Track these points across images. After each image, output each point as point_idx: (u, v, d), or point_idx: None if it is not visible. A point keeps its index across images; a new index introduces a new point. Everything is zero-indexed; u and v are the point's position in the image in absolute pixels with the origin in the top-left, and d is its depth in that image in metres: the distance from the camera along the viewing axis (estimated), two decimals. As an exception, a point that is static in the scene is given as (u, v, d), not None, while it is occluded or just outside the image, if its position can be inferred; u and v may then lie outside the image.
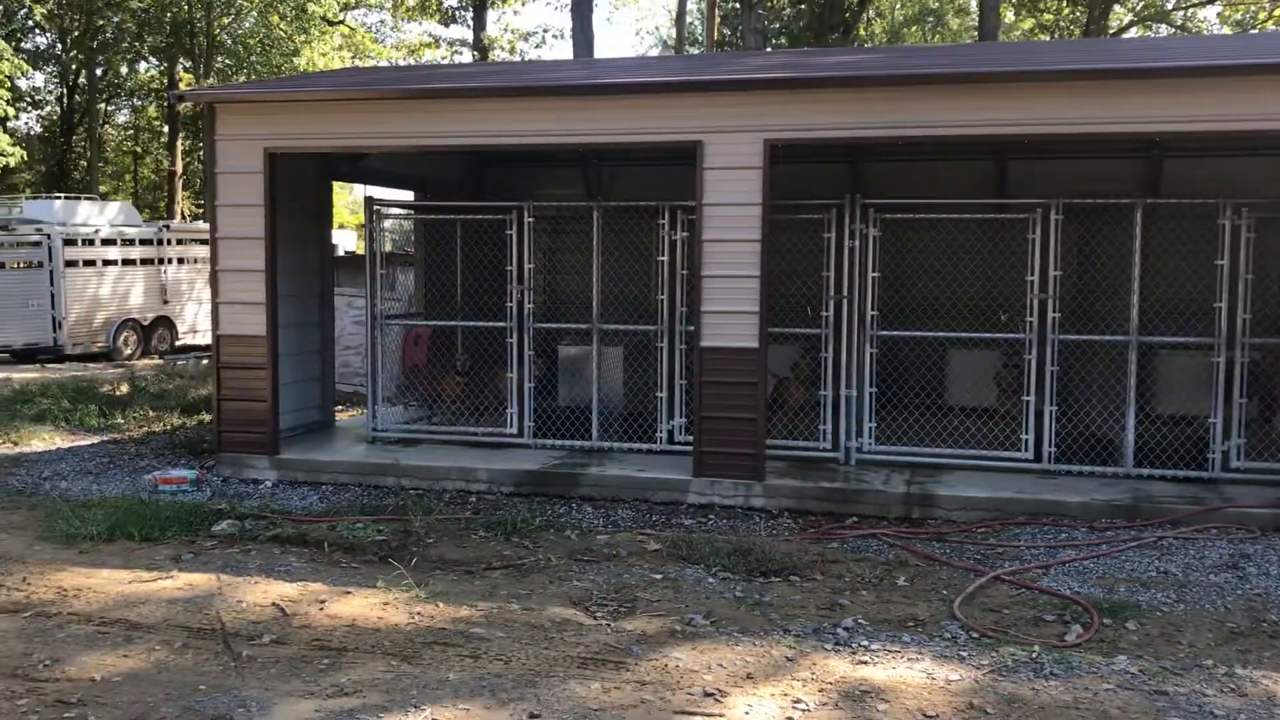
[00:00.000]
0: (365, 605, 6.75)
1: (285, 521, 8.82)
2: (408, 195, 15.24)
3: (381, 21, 40.04)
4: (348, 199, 46.21)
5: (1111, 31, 29.04)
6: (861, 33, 29.78)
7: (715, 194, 9.52)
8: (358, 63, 36.68)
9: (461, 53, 36.12)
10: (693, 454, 9.76)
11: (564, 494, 9.78)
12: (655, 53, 42.51)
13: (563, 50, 37.04)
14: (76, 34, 34.88)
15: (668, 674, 5.67)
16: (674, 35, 38.36)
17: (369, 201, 11.63)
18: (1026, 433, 9.99)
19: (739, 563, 7.63)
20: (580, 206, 11.92)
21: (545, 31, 42.15)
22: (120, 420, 13.77)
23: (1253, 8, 29.30)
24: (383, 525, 8.68)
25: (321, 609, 6.70)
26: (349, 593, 7.00)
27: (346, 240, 34.25)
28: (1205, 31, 30.80)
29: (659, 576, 7.41)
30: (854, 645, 6.11)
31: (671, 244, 10.64)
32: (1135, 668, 5.80)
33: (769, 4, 24.30)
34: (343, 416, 13.50)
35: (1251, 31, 28.16)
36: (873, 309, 10.27)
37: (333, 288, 12.57)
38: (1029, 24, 29.93)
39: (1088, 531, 8.52)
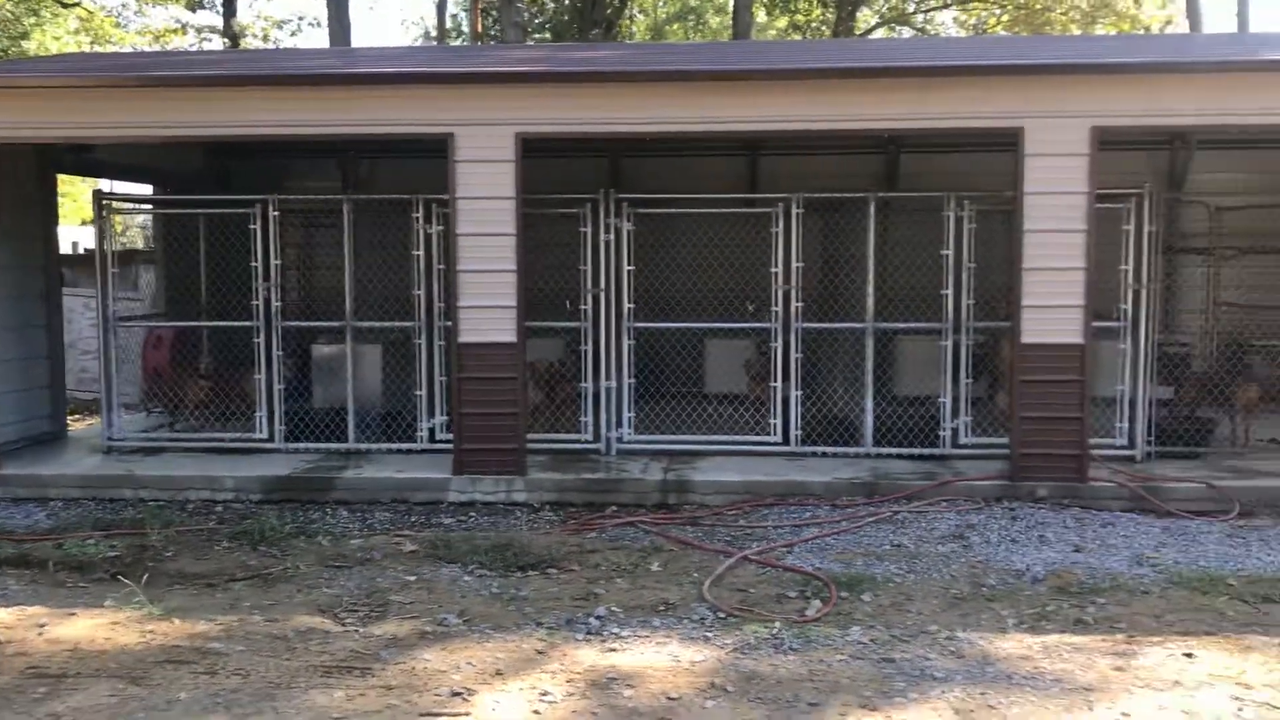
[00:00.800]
0: (91, 627, 6.32)
1: (4, 542, 8.14)
2: (147, 189, 14.37)
3: (124, 5, 37.60)
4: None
5: (859, 32, 30.58)
6: (625, 28, 30.22)
7: (468, 187, 9.43)
8: (96, 48, 34.31)
9: (211, 40, 34.41)
10: (453, 452, 9.64)
11: (318, 499, 9.46)
12: (420, 44, 41.72)
13: (320, 39, 35.85)
14: None
15: (415, 676, 5.57)
16: (437, 26, 37.78)
17: (97, 195, 10.89)
18: (775, 417, 10.39)
19: (497, 559, 7.60)
20: (331, 200, 11.54)
21: (301, 19, 40.72)
22: None
23: (983, 14, 31.48)
24: (116, 540, 8.15)
25: (41, 633, 6.22)
26: (73, 614, 6.54)
27: (88, 237, 32.07)
28: (942, 34, 32.86)
29: (414, 578, 7.28)
30: (605, 633, 6.19)
31: (427, 238, 10.47)
32: (867, 637, 6.11)
33: (528, -3, 24.28)
34: (80, 426, 12.65)
35: (985, 35, 30.27)
36: (629, 301, 10.43)
37: (60, 288, 11.71)
38: (783, 22, 31.13)
39: (830, 509, 8.95)
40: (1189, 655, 5.82)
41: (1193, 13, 26.40)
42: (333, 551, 7.90)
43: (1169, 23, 31.66)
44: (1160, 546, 7.93)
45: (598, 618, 6.43)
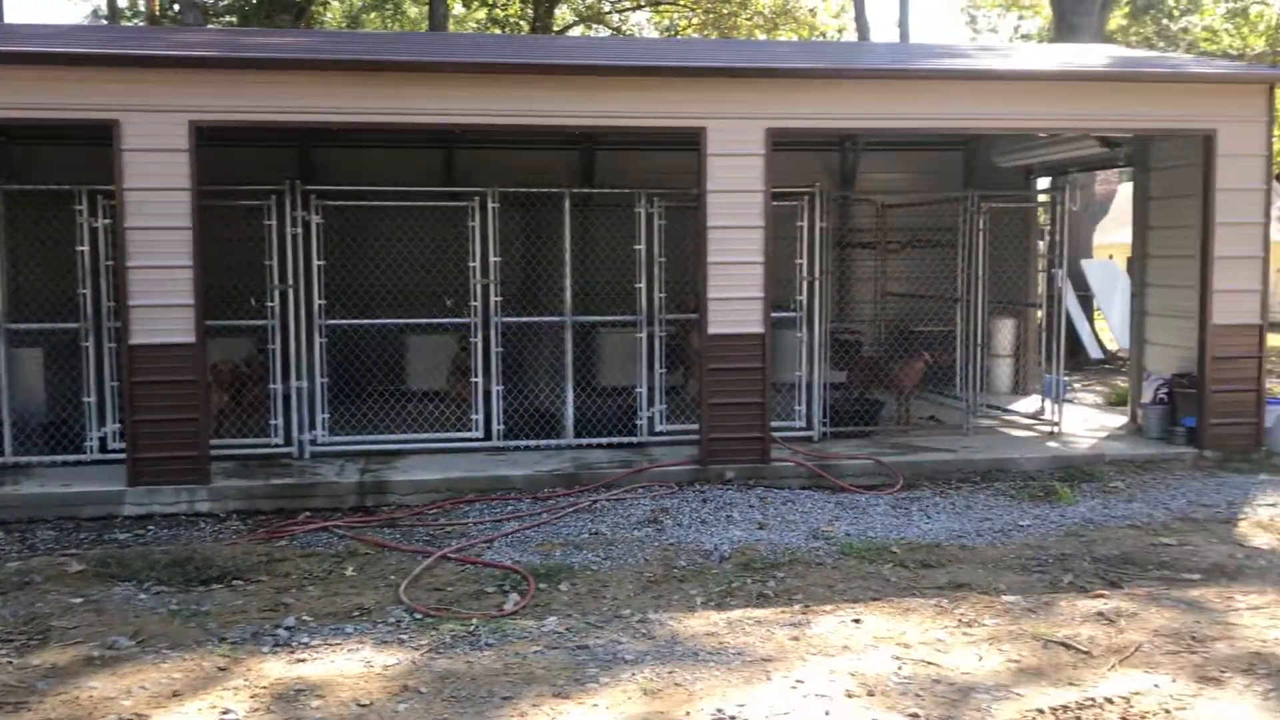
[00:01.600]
0: None
1: None
2: None
3: None
4: None
5: (557, 29, 30.94)
6: (318, 15, 29.14)
7: (137, 178, 8.81)
8: None
9: None
10: (127, 462, 8.98)
11: (-32, 520, 8.56)
12: (89, 23, 38.51)
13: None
14: None
15: (79, 706, 5.14)
16: (109, 4, 34.99)
17: None
18: (477, 413, 10.36)
19: (176, 574, 7.15)
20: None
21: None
22: None
23: (675, 16, 32.63)
24: None
25: None
26: None
27: None
28: (637, 35, 33.81)
29: (80, 600, 6.72)
30: (294, 644, 5.95)
31: (93, 232, 9.69)
32: (563, 626, 6.21)
33: (208, -23, 22.95)
34: None
35: (676, 37, 31.38)
36: (320, 298, 10.08)
37: None
38: (481, 14, 31.02)
39: (532, 502, 9.02)
40: (857, 621, 6.29)
41: (861, 23, 28.46)
42: (-15, 578, 7.16)
43: (842, 30, 34.03)
44: (834, 520, 8.51)
45: (286, 628, 6.18)
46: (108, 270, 9.65)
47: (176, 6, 23.69)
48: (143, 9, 33.15)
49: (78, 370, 9.84)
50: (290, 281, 9.99)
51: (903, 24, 29.37)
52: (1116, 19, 26.25)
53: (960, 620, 6.28)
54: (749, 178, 9.62)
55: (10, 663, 5.68)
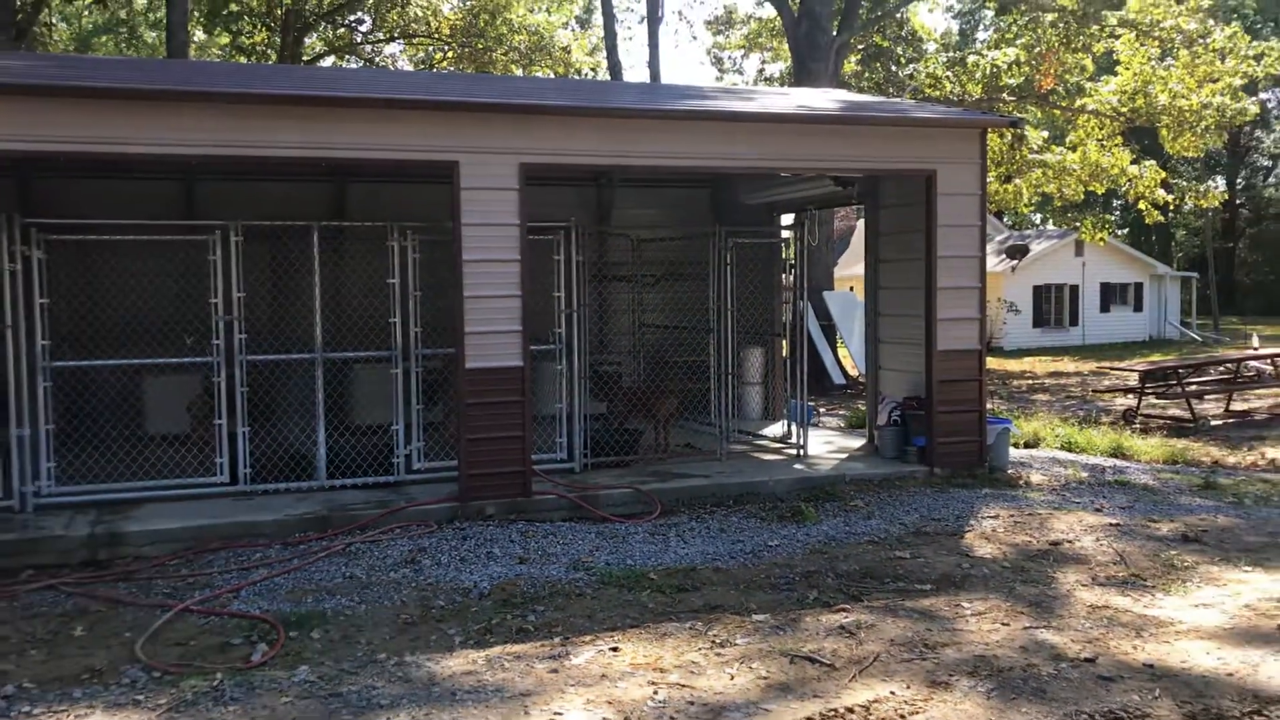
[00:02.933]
0: None
1: None
2: None
3: None
4: None
5: (308, 59, 30.15)
6: (43, 36, 27.23)
7: None
8: None
9: None
10: None
11: None
12: None
13: None
14: None
15: None
16: None
17: None
18: (221, 456, 9.88)
19: (-128, 646, 6.44)
20: None
21: None
22: None
23: (431, 49, 32.44)
24: None
25: None
26: None
27: None
28: (393, 67, 33.38)
29: None
30: (13, 714, 5.47)
31: None
32: (315, 675, 5.99)
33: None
34: None
35: (431, 71, 31.18)
36: (44, 338, 9.37)
37: None
38: (225, 40, 29.85)
39: (282, 548, 8.66)
40: (615, 649, 6.37)
41: (613, 62, 29.19)
42: None
43: (596, 69, 34.77)
44: (595, 550, 8.61)
45: (5, 698, 5.68)
46: None
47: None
48: None
49: None
50: (9, 321, 9.24)
51: (653, 64, 30.32)
52: (850, 64, 28.01)
53: (714, 642, 6.47)
54: (503, 212, 9.66)
55: None
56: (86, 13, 32.05)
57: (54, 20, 29.40)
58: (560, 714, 5.41)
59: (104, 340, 11.10)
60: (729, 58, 35.65)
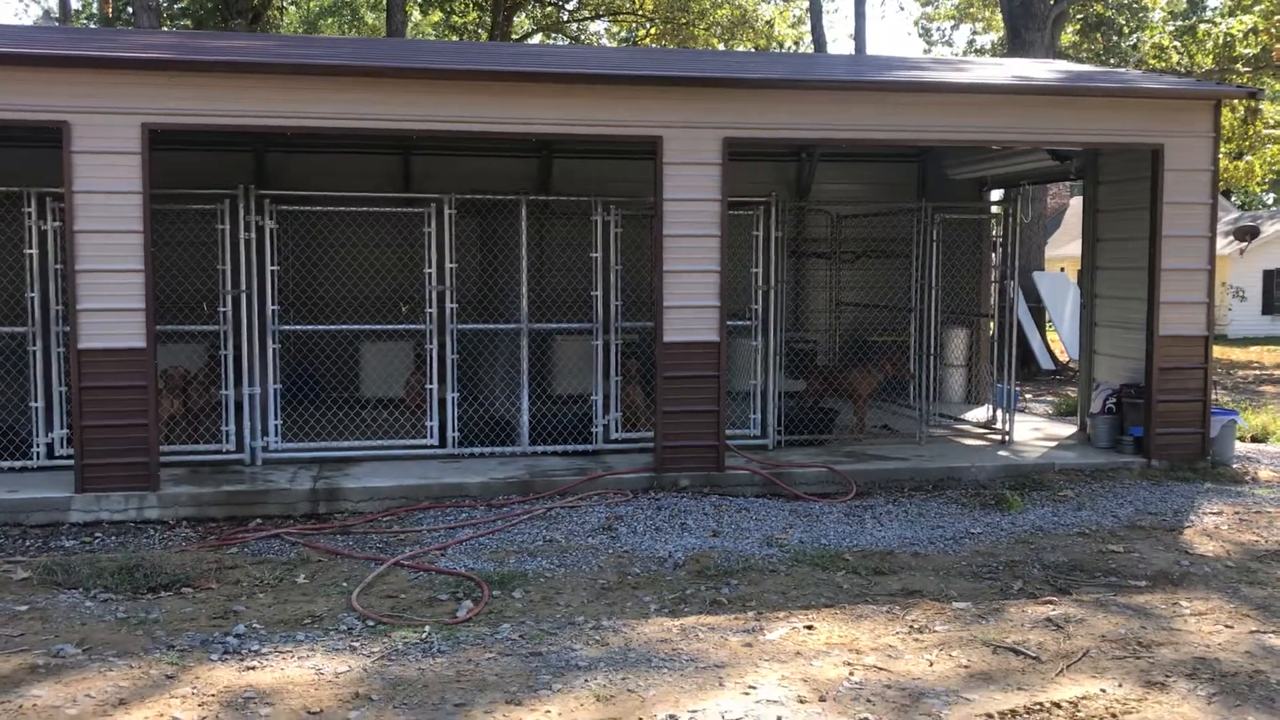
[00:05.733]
0: None
1: None
2: None
3: None
4: None
5: (516, 37, 30.94)
6: (273, 19, 28.92)
7: (87, 180, 8.68)
8: None
9: None
10: (75, 468, 8.84)
11: (-91, 527, 8.40)
12: (40, 24, 37.93)
13: (-81, 11, 31.77)
14: None
15: (23, 716, 5.05)
16: (61, 6, 34.50)
17: None
18: (432, 420, 10.31)
19: (124, 581, 7.04)
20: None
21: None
22: None
23: (633, 25, 32.75)
24: None
25: None
26: None
27: None
28: (596, 44, 33.88)
29: (25, 608, 6.60)
30: (244, 651, 5.88)
31: (41, 235, 9.54)
32: (516, 634, 6.19)
33: (162, -21, 22.72)
34: None
35: (635, 47, 31.50)
36: (274, 303, 9.99)
37: None
38: (436, 17, 30.91)
39: (486, 510, 8.99)
40: (810, 627, 6.32)
41: (817, 35, 28.72)
42: (-75, 586, 7.02)
43: (799, 42, 34.30)
44: (788, 528, 8.56)
45: (236, 636, 6.11)
46: (56, 274, 9.51)
47: (130, 9, 23.40)
48: (96, 12, 32.77)
49: (25, 375, 9.68)
50: (244, 286, 9.90)
51: (858, 36, 29.69)
52: (1068, 35, 26.70)
53: (912, 626, 6.33)
54: (705, 186, 9.67)
55: (-49, 672, 5.58)
56: (313, -3, 33.92)
57: (285, 4, 31.23)
58: (754, 688, 5.41)
59: (326, 306, 11.74)
60: (937, 29, 34.57)
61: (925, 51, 37.85)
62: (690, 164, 9.65)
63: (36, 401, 9.57)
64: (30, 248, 9.53)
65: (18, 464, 9.49)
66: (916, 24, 35.24)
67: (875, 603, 6.79)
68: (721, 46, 31.77)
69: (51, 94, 8.71)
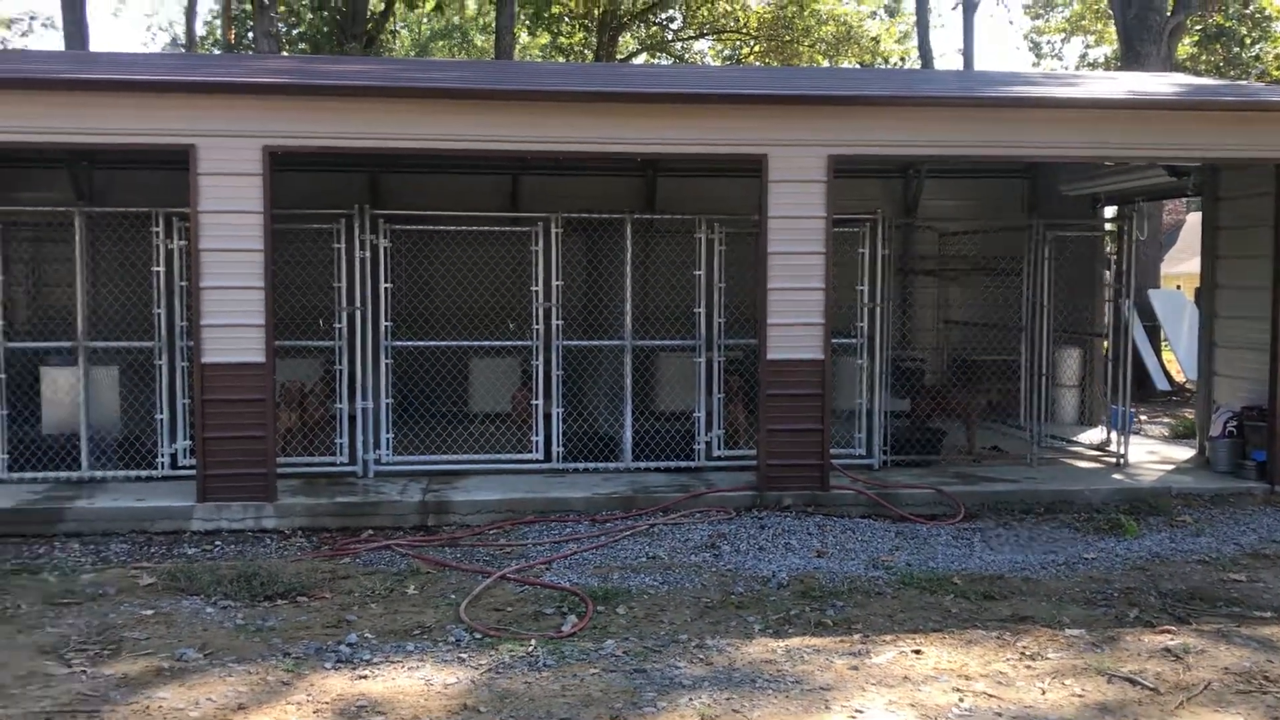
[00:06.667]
0: None
1: None
2: None
3: None
4: None
5: (621, 58, 31.26)
6: (386, 43, 29.73)
7: (212, 201, 9.04)
8: None
9: (-73, 35, 31.55)
10: (197, 478, 9.19)
11: (45, 532, 8.80)
12: (167, 51, 39.62)
13: (55, 41, 33.52)
14: None
15: (149, 716, 5.26)
16: (187, 33, 36.01)
17: None
18: (537, 435, 10.45)
19: (243, 589, 7.28)
20: (59, 212, 10.79)
21: (33, 19, 37.88)
22: None
23: (737, 43, 32.80)
24: None
25: None
26: None
27: None
28: (700, 63, 34.01)
29: (150, 612, 6.88)
30: (356, 661, 6.04)
31: (168, 253, 9.96)
32: (621, 650, 6.23)
33: (281, 7, 23.53)
34: None
35: (738, 65, 31.54)
36: (386, 320, 10.26)
37: None
38: (544, 39, 31.40)
39: (590, 525, 9.07)
40: (918, 652, 6.23)
41: (924, 50, 28.38)
42: (60, 588, 7.36)
43: (904, 58, 33.95)
44: (894, 550, 8.45)
45: (349, 645, 6.27)
46: (182, 291, 9.90)
47: (251, 36, 24.30)
48: (219, 38, 34.09)
49: (151, 388, 10.10)
50: (358, 303, 10.18)
51: (966, 51, 29.27)
52: (1185, 47, 25.91)
53: (1023, 653, 6.20)
54: (810, 204, 9.64)
55: (85, 672, 5.84)
56: (424, 20, 34.75)
57: (397, 27, 32.08)
58: (861, 712, 5.36)
59: (435, 323, 11.99)
60: (1048, 42, 33.86)
61: (1034, 64, 37.10)
62: (795, 181, 9.63)
63: (162, 414, 9.97)
64: (158, 265, 9.96)
65: (144, 473, 9.89)
66: (1026, 38, 34.62)
67: (985, 628, 6.66)
68: (826, 64, 31.62)
69: (180, 118, 9.10)
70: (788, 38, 30.15)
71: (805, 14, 30.23)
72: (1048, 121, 10.07)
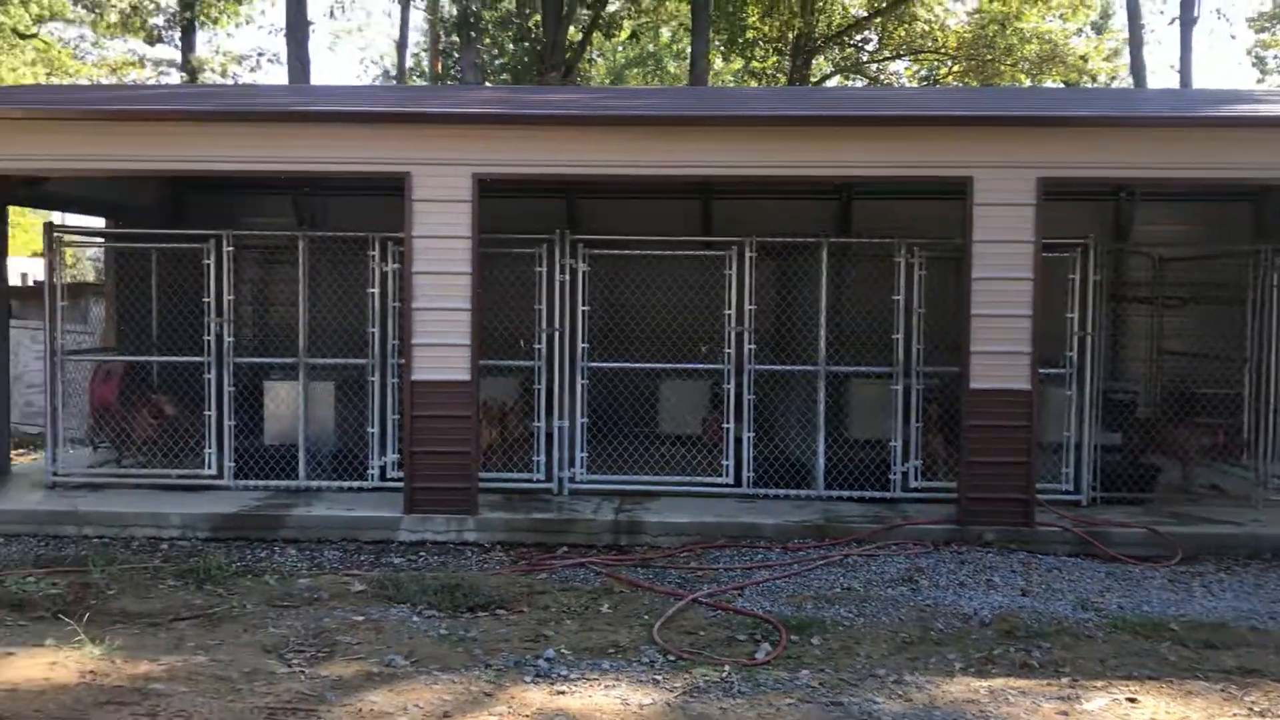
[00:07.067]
0: (30, 666, 6.19)
1: (-58, 579, 7.98)
2: (99, 222, 14.25)
3: (81, 37, 37.42)
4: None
5: (814, 80, 31.08)
6: (583, 72, 30.50)
7: (424, 226, 9.45)
8: (54, 80, 34.05)
9: (169, 74, 34.26)
10: (404, 490, 9.59)
11: (266, 537, 9.36)
12: (379, 83, 41.76)
13: (279, 76, 35.80)
14: None
15: (362, 718, 5.50)
16: (398, 66, 37.90)
17: (48, 228, 10.77)
18: (727, 459, 10.44)
19: (446, 599, 7.54)
20: (285, 236, 11.51)
21: (260, 55, 40.51)
22: None
23: (934, 64, 32.12)
24: (58, 578, 8.00)
25: (-23, 674, 6.08)
26: (11, 654, 6.40)
27: (38, 269, 31.57)
28: (896, 85, 33.48)
29: (361, 618, 7.21)
30: (554, 675, 6.16)
31: (382, 276, 10.46)
32: (816, 681, 6.14)
33: (487, 39, 24.46)
34: (24, 460, 12.43)
35: (936, 86, 30.90)
36: (583, 341, 10.47)
37: (8, 321, 11.55)
38: (738, 64, 31.52)
39: (781, 552, 8.98)
40: (1132, 700, 5.90)
41: (1137, 67, 27.10)
42: (280, 591, 7.80)
43: (1114, 76, 32.49)
44: (1105, 591, 8.04)
45: (547, 659, 6.41)
46: (394, 311, 10.38)
47: (458, 67, 25.36)
48: (426, 70, 35.72)
49: (363, 403, 10.62)
50: (557, 325, 10.44)
51: (1183, 68, 27.78)
52: None
53: (1251, 709, 5.78)
54: (1018, 228, 9.32)
55: (303, 672, 6.16)
56: (619, 49, 35.51)
57: (593, 56, 32.89)
58: (1071, 760, 5.11)
59: (628, 344, 12.16)
60: (1274, 56, 31.75)
61: (1259, 82, 34.89)
62: (1001, 205, 9.33)
63: (373, 428, 10.46)
64: (373, 287, 10.47)
65: (355, 484, 10.39)
66: (1249, 53, 32.56)
67: (1207, 679, 6.24)
68: (1028, 83, 30.59)
69: (397, 148, 9.57)
70: (989, 57, 29.33)
71: (1008, 32, 29.34)
72: (1273, 142, 9.44)
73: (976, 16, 30.99)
